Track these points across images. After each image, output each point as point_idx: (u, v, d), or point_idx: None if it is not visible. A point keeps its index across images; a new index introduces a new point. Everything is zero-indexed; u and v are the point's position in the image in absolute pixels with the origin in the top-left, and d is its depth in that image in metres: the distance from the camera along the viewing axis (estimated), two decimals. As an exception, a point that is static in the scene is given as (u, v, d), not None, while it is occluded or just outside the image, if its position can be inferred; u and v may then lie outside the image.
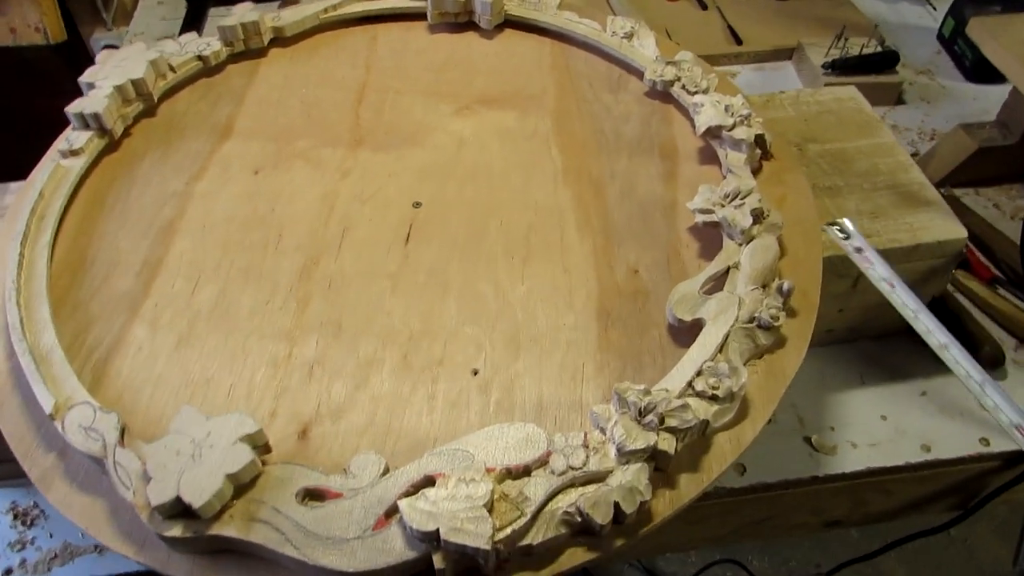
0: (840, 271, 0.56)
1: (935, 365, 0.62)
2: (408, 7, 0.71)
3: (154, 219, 0.54)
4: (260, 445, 0.40)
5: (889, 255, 0.55)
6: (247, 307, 0.49)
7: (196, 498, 0.37)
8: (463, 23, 0.70)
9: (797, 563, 1.12)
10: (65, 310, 0.48)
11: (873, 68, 0.82)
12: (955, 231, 0.56)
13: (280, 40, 0.68)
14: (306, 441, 0.43)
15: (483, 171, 0.58)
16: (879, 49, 0.83)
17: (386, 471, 0.40)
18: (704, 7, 0.96)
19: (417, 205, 0.55)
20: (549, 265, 0.52)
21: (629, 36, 0.67)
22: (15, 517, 0.54)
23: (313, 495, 0.39)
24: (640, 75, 0.64)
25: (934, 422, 0.59)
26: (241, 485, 0.39)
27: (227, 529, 0.37)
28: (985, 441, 0.57)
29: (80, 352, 0.46)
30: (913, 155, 0.79)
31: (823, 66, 0.83)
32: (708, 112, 0.57)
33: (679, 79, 0.62)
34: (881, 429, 0.59)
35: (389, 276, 0.51)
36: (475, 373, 0.46)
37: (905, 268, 0.57)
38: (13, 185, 0.59)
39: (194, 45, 0.64)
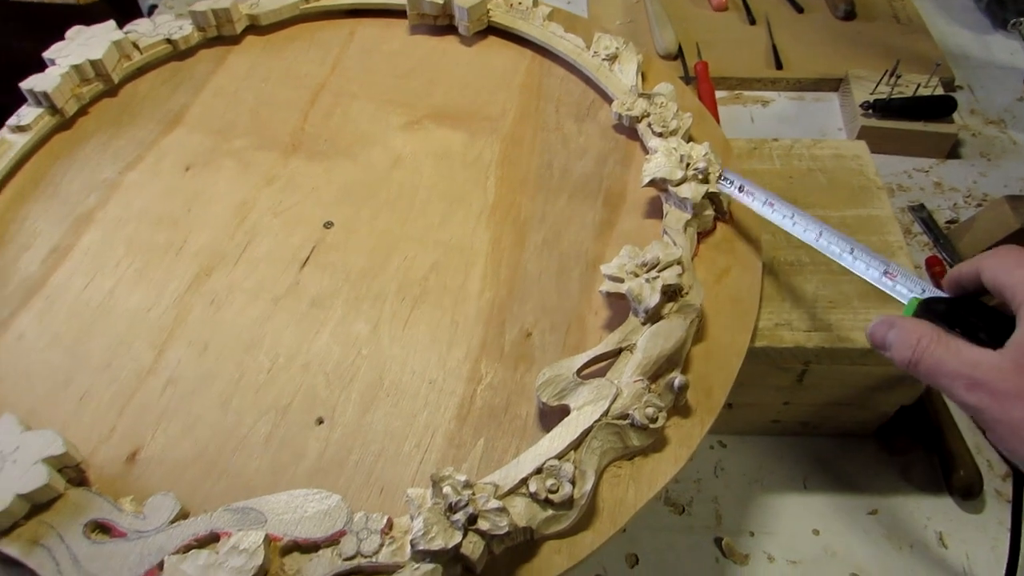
0: (781, 364, 0.49)
1: (898, 481, 0.54)
2: (394, 3, 0.67)
3: (77, 205, 0.55)
4: (69, 466, 0.40)
5: (837, 354, 0.47)
6: (129, 311, 0.49)
7: (-19, 512, 0.36)
8: (444, 26, 0.66)
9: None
10: (-33, 288, 0.50)
11: (922, 114, 0.71)
12: (927, 338, 0.47)
13: (258, 28, 0.67)
14: (133, 464, 0.42)
15: (406, 197, 0.54)
16: (938, 91, 0.71)
17: (184, 516, 0.38)
18: (752, 21, 0.86)
19: (328, 225, 0.53)
20: (438, 313, 0.48)
21: (612, 58, 0.60)
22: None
23: (102, 528, 0.38)
24: (610, 104, 0.58)
25: (875, 549, 0.51)
26: (40, 504, 0.38)
27: (10, 547, 0.37)
28: (930, 583, 0.49)
29: (-38, 335, 0.47)
30: (950, 222, 0.68)
31: (862, 105, 0.72)
32: (657, 161, 0.51)
33: (648, 115, 0.56)
34: (809, 545, 0.51)
35: (273, 300, 0.49)
36: (320, 422, 0.43)
37: (862, 370, 0.49)
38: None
39: (166, 27, 0.64)
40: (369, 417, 0.43)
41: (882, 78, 0.73)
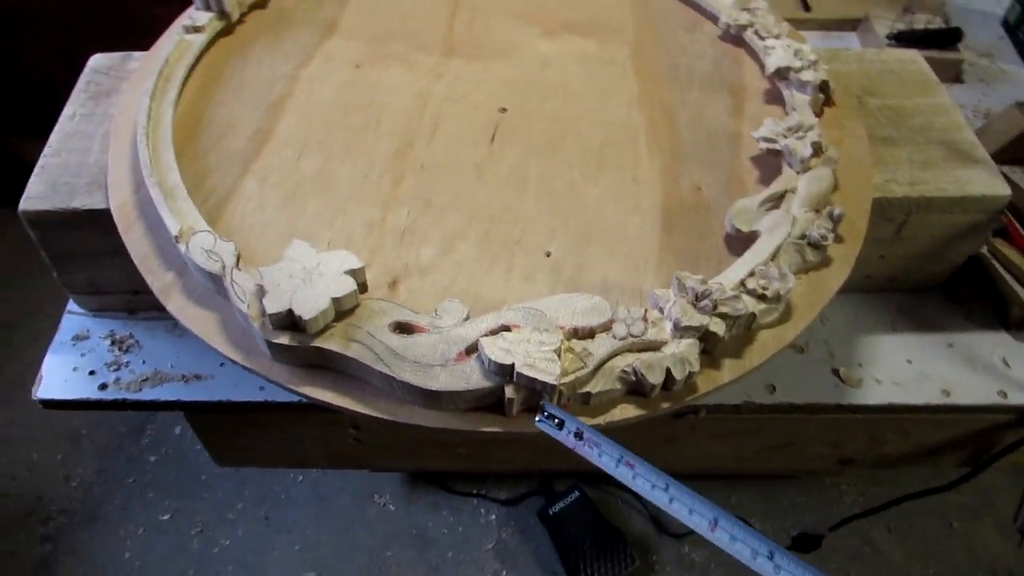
0: (887, 214, 0.60)
1: (964, 321, 0.66)
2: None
3: (265, 95, 0.60)
4: (360, 282, 0.46)
5: (934, 203, 0.59)
6: (346, 178, 0.55)
7: (305, 312, 0.42)
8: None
9: (797, 525, 1.17)
10: (186, 158, 0.54)
11: (936, 43, 0.85)
12: (1000, 188, 0.60)
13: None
14: (395, 292, 0.48)
15: (563, 89, 0.62)
16: (943, 26, 0.86)
17: (467, 318, 0.45)
18: (779, -27, 0.99)
19: (503, 110, 0.60)
20: (620, 174, 0.56)
21: (709, -18, 0.70)
22: (112, 343, 0.60)
23: (403, 328, 0.45)
24: (711, 20, 0.68)
25: (956, 371, 0.63)
26: (342, 311, 0.44)
27: (329, 343, 0.43)
28: (1003, 394, 0.61)
29: (199, 195, 0.52)
30: (965, 132, 0.82)
31: (887, 37, 0.86)
32: (779, 54, 0.61)
33: (752, 24, 0.66)
34: (906, 371, 0.63)
35: (475, 166, 0.56)
36: (548, 255, 0.51)
37: (947, 219, 0.61)
38: (137, 54, 0.64)
39: (306, -53, 0.69)
40: (589, 250, 0.51)
41: (899, 15, 0.87)
